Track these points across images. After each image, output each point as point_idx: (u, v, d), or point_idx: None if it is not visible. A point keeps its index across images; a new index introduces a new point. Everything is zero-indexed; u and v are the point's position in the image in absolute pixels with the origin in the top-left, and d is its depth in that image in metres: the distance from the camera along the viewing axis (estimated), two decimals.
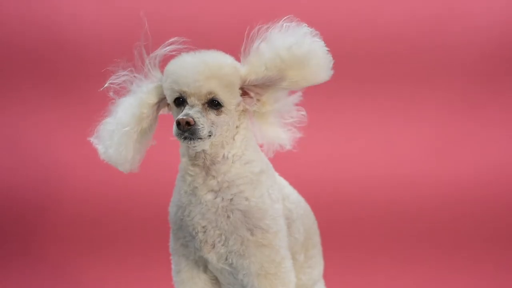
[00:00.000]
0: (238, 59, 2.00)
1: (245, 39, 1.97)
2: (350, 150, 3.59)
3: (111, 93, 2.07)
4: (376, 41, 3.57)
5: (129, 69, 2.06)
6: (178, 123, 1.89)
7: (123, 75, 2.06)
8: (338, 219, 3.44)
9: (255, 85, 1.99)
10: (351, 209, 3.50)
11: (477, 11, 3.58)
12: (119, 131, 2.03)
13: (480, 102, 3.60)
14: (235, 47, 2.00)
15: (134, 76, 2.07)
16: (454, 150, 3.60)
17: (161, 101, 2.06)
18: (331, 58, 1.98)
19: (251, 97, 2.01)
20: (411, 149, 3.60)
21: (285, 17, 1.98)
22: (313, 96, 2.12)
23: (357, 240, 3.46)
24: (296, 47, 1.93)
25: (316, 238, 2.34)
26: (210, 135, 1.93)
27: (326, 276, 2.42)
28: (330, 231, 2.77)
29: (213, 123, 1.93)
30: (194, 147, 1.96)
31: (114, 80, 2.07)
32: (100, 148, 2.08)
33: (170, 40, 2.04)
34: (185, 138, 1.90)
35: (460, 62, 3.58)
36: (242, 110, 2.02)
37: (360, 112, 3.62)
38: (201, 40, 2.00)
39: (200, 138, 1.91)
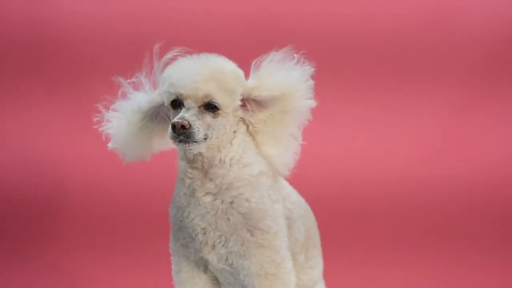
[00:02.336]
0: (239, 63, 2.03)
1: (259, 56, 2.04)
2: (353, 146, 3.57)
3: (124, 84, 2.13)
4: (377, 36, 3.55)
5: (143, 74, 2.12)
6: (174, 126, 1.88)
7: (138, 77, 2.12)
8: (338, 218, 3.43)
9: (254, 100, 2.02)
10: (351, 208, 3.49)
11: (481, 6, 3.54)
12: (121, 120, 2.11)
13: (486, 97, 3.57)
14: (235, 50, 2.01)
15: (146, 80, 2.11)
16: (459, 145, 3.57)
17: (160, 106, 2.07)
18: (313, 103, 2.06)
19: (247, 109, 2.03)
20: (414, 145, 3.57)
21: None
22: None
23: (358, 240, 3.45)
24: (302, 80, 2.02)
25: (316, 239, 2.34)
26: (206, 138, 1.93)
27: (327, 275, 2.41)
28: (330, 230, 2.77)
29: (209, 126, 1.93)
30: (189, 150, 1.96)
31: (130, 80, 2.12)
32: (106, 130, 2.15)
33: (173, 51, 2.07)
34: (180, 141, 1.90)
35: (464, 58, 3.55)
36: (240, 117, 2.03)
37: (362, 108, 3.59)
38: (203, 43, 2.00)
39: (196, 141, 1.91)
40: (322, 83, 2.09)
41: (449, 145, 3.57)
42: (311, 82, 2.05)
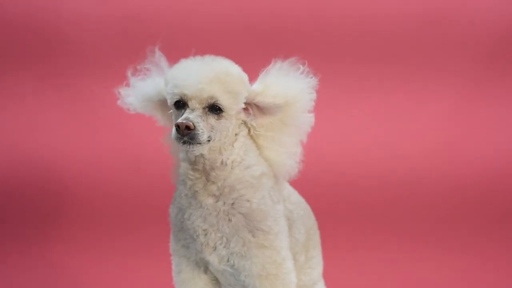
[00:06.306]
0: (239, 63, 2.03)
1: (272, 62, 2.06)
2: (353, 144, 3.55)
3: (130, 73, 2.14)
4: (378, 21, 3.53)
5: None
6: (178, 127, 1.88)
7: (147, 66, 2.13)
8: (339, 217, 3.43)
9: (256, 106, 2.04)
10: (352, 206, 3.48)
11: None
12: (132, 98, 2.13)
13: (497, 88, 3.55)
14: (236, 49, 2.00)
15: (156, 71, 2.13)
16: (466, 138, 3.56)
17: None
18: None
19: (249, 113, 2.05)
20: (417, 140, 3.56)
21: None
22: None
23: (358, 239, 3.45)
24: (307, 91, 2.04)
25: (316, 239, 2.35)
26: (209, 140, 1.94)
27: (327, 274, 2.42)
28: (331, 229, 2.77)
29: (212, 128, 1.94)
30: (192, 151, 1.96)
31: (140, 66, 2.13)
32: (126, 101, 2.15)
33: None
34: (184, 143, 1.90)
35: (475, 50, 3.52)
36: (242, 120, 2.04)
37: (367, 94, 3.57)
38: (202, 42, 2.00)
39: (199, 143, 1.91)
40: (322, 78, 2.09)
41: (456, 137, 3.55)
42: (314, 95, 2.06)
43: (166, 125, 2.16)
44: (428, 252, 3.42)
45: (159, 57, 2.10)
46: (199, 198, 2.02)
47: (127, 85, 2.13)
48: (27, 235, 3.48)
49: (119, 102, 2.15)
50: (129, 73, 2.13)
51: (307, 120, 2.07)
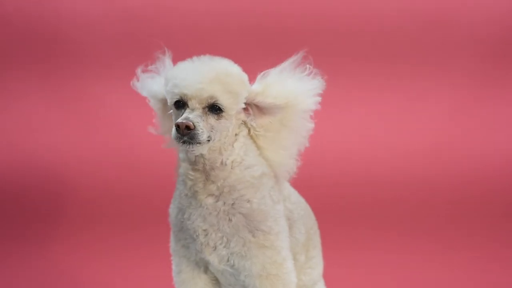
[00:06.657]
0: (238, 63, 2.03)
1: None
2: (353, 144, 3.56)
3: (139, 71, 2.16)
4: (378, 20, 3.53)
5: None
6: (178, 127, 1.88)
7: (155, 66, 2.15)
8: (339, 217, 3.43)
9: (256, 106, 2.03)
10: (352, 206, 3.49)
11: None
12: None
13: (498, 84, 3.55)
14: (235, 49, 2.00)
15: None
16: (465, 137, 3.56)
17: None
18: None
19: (249, 113, 2.04)
20: (417, 140, 3.56)
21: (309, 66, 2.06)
22: None
23: (358, 239, 3.44)
24: (310, 93, 2.02)
25: (317, 239, 2.35)
26: (209, 140, 1.93)
27: (327, 275, 2.41)
28: (331, 229, 2.76)
29: (212, 128, 1.93)
30: (192, 151, 1.96)
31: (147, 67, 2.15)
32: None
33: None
34: (184, 142, 1.90)
35: (473, 44, 3.52)
36: (242, 120, 2.04)
37: (367, 94, 3.58)
38: (202, 42, 1.99)
39: (199, 143, 1.91)
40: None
41: (456, 137, 3.56)
42: (318, 99, 2.05)
43: (167, 125, 2.16)
44: (428, 251, 3.41)
45: (165, 58, 2.11)
46: (199, 198, 2.02)
47: (137, 79, 2.15)
48: (27, 235, 3.48)
49: (132, 83, 2.16)
50: (138, 69, 2.14)
51: (307, 125, 2.07)
